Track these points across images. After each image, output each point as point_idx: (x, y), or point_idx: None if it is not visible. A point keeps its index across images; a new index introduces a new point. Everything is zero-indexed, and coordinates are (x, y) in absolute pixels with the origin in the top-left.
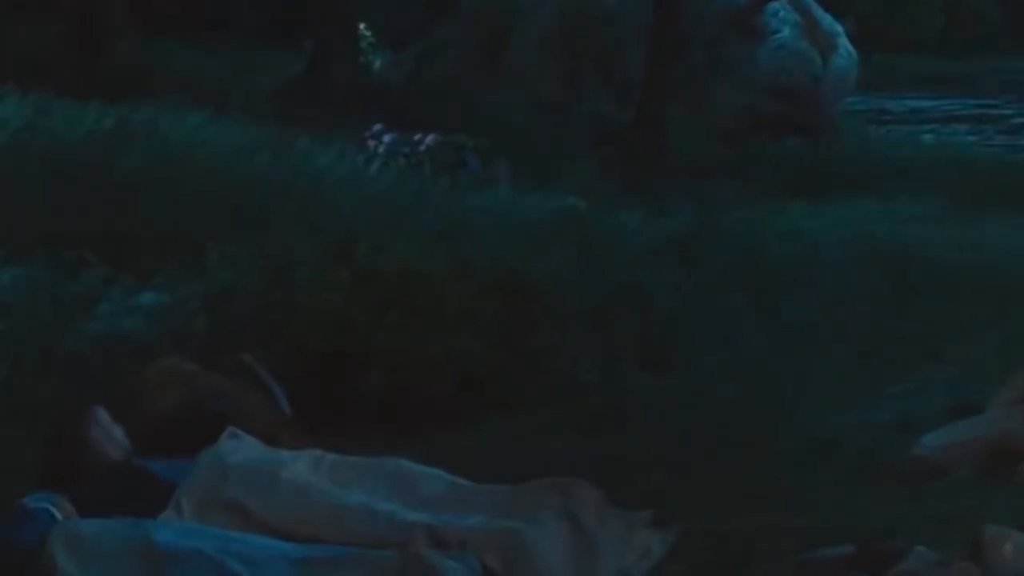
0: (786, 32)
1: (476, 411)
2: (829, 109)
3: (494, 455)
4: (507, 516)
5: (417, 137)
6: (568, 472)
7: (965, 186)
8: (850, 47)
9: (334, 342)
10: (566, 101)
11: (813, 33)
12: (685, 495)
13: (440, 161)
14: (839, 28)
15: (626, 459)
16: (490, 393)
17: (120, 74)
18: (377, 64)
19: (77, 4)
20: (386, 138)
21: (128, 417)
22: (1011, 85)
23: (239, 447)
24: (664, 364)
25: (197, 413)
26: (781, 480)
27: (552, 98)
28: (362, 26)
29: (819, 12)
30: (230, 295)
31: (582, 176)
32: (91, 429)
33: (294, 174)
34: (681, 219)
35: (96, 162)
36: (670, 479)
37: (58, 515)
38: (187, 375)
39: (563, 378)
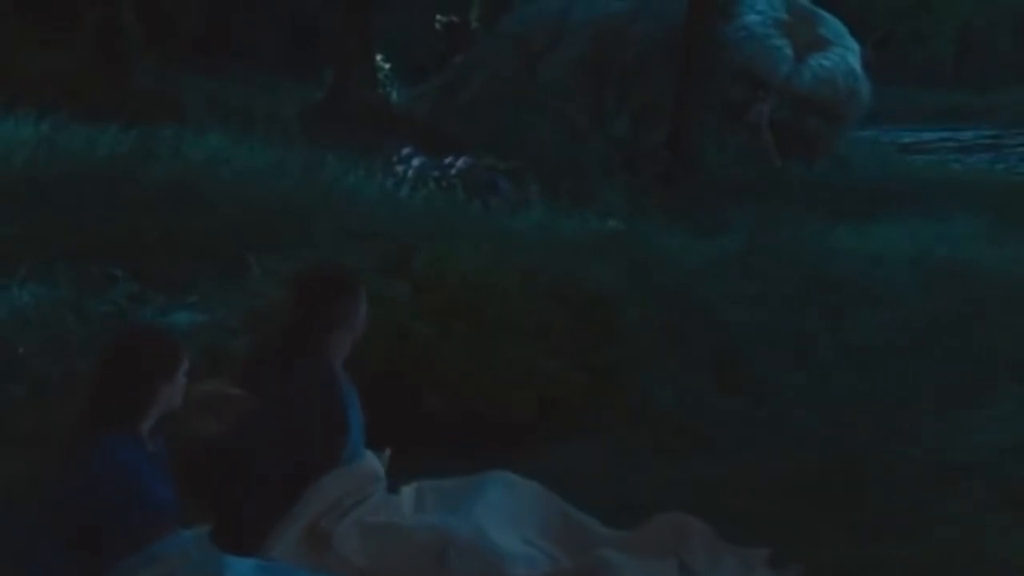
0: (752, 18)
1: (551, 434)
2: (814, 116)
3: (580, 482)
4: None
5: (447, 160)
6: (664, 502)
7: (1010, 206)
8: (855, 64)
9: (392, 359)
10: (592, 124)
11: (792, 28)
12: (796, 527)
13: (471, 184)
14: (846, 40)
15: (722, 487)
16: (565, 415)
17: (139, 98)
18: (393, 95)
19: (96, 28)
20: (415, 161)
21: (167, 445)
22: None
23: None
24: (739, 384)
25: (238, 440)
26: (902, 508)
27: (578, 122)
28: (379, 57)
29: (819, 16)
30: (274, 312)
31: (617, 198)
32: None
33: (326, 191)
34: (736, 238)
35: (119, 178)
36: (775, 509)
37: None
38: (231, 400)
39: (639, 399)
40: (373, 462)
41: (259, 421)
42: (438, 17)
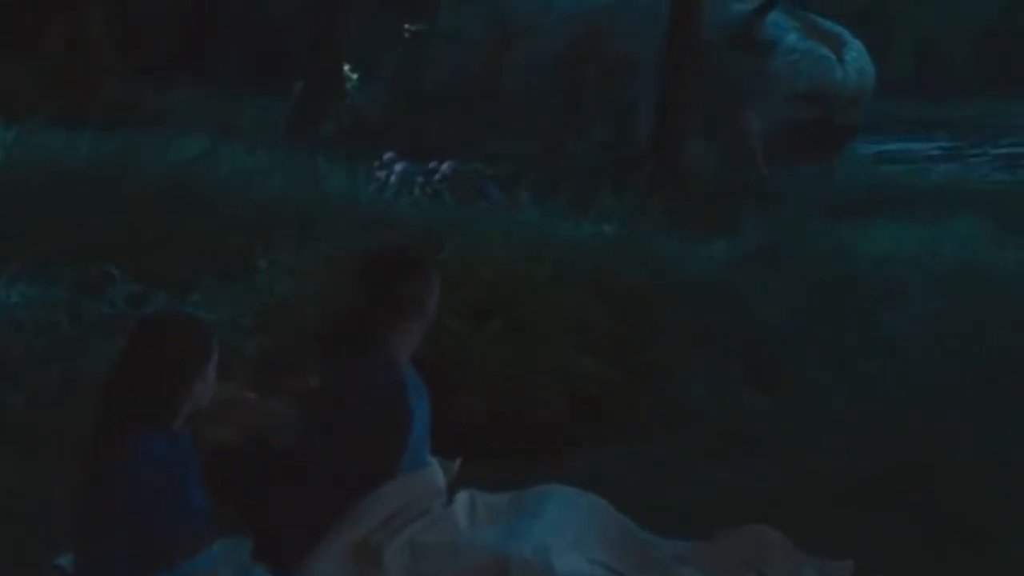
0: (792, 37)
1: (587, 436)
2: (853, 109)
3: (620, 488)
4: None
5: (432, 165)
6: (714, 509)
7: (1001, 211)
8: (859, 43)
9: (421, 358)
10: (568, 126)
11: (817, 33)
12: (866, 534)
13: (458, 189)
14: (840, 28)
15: (774, 492)
16: (605, 416)
17: (110, 107)
18: (360, 104)
19: (64, 38)
20: (398, 166)
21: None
22: (986, 127)
23: None
24: (771, 383)
25: (260, 448)
26: (974, 512)
27: (553, 127)
28: (347, 67)
29: (814, 15)
30: (287, 309)
31: (611, 202)
32: None
33: (323, 190)
34: (737, 240)
35: (107, 178)
36: (841, 515)
37: None
38: (246, 404)
39: (677, 399)
40: (436, 474)
41: (310, 424)
42: (407, 26)
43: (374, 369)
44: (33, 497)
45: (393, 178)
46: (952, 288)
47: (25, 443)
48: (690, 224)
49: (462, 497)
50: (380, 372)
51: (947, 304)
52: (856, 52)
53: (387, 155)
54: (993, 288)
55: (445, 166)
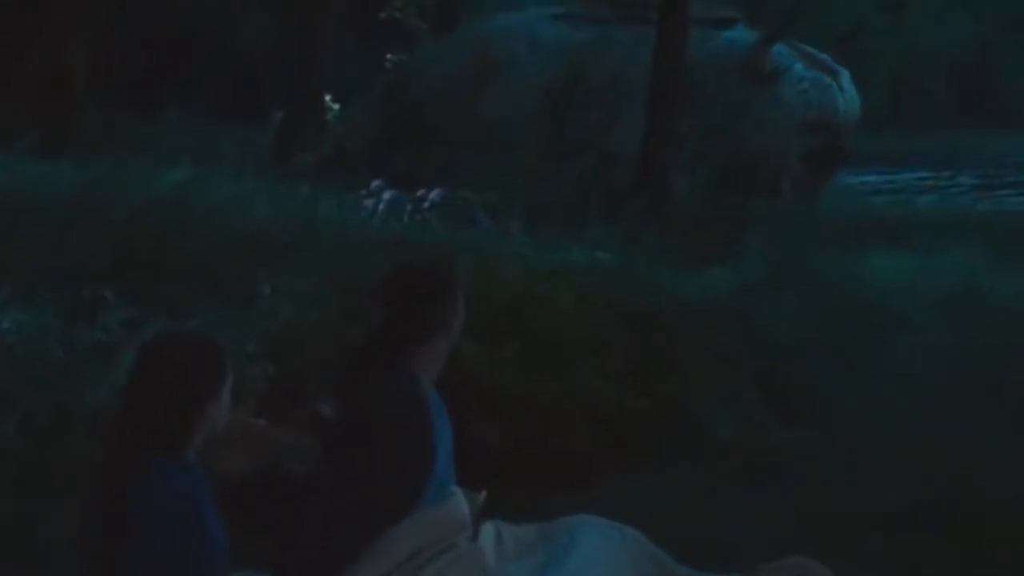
0: (799, 66)
1: (611, 464)
2: (848, 134)
3: (648, 519)
4: None
5: (420, 193)
6: (750, 541)
7: (992, 240)
8: (847, 71)
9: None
10: (552, 156)
11: (814, 61)
12: (904, 564)
13: (448, 218)
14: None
15: (809, 523)
16: (628, 443)
17: (88, 139)
18: (341, 135)
19: (41, 70)
20: (386, 195)
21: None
22: (960, 158)
23: None
24: (793, 411)
25: (270, 478)
26: (1012, 539)
27: (539, 156)
28: (328, 97)
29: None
30: (293, 334)
31: (602, 231)
32: None
33: (314, 218)
34: (736, 268)
35: (90, 205)
36: (879, 544)
37: None
38: (255, 433)
39: (700, 426)
40: (461, 505)
41: (327, 453)
42: (388, 56)
43: (397, 389)
44: (25, 530)
45: (381, 206)
46: (956, 316)
47: (16, 473)
48: (682, 252)
49: (487, 529)
50: (404, 392)
51: (953, 331)
52: (847, 79)
53: (375, 183)
54: (995, 315)
55: (434, 194)
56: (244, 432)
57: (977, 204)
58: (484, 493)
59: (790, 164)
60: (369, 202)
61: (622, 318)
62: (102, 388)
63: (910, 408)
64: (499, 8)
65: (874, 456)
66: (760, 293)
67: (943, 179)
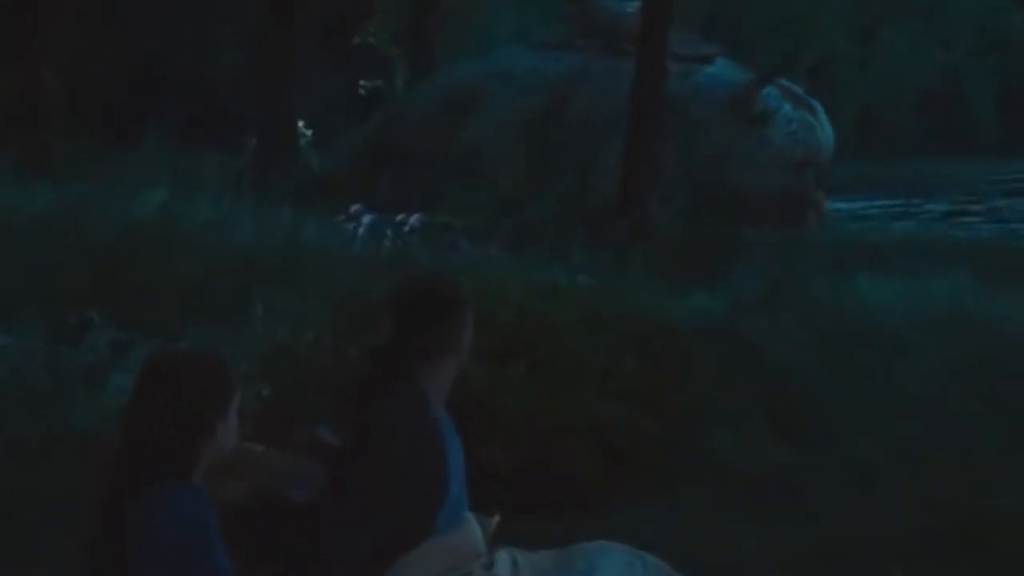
0: (787, 107)
1: (619, 489)
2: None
3: (660, 545)
4: None
5: (400, 217)
6: (767, 565)
7: (976, 264)
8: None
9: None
10: (531, 183)
11: (793, 97)
12: None
13: (428, 242)
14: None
15: (828, 551)
16: (634, 466)
17: (61, 165)
18: (314, 161)
19: (14, 95)
20: (366, 219)
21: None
22: (927, 186)
23: None
24: (796, 434)
25: (268, 504)
26: None
27: (516, 181)
28: (301, 124)
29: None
30: (289, 356)
31: (584, 255)
32: None
33: (297, 239)
34: (742, 290)
35: (70, 228)
36: (892, 568)
37: None
38: (253, 457)
39: (709, 450)
40: (475, 531)
41: (333, 477)
42: (362, 82)
43: (408, 410)
44: (10, 554)
45: (361, 230)
46: (951, 338)
47: (1, 497)
48: (666, 276)
49: (502, 556)
50: (414, 413)
51: (951, 353)
52: (822, 113)
53: (354, 207)
54: (988, 337)
55: (414, 218)
56: (241, 456)
57: (951, 231)
58: (497, 518)
59: (813, 196)
60: (349, 226)
61: (625, 338)
62: (89, 411)
63: (914, 430)
64: (478, 37)
65: (882, 479)
66: (755, 315)
67: (913, 206)
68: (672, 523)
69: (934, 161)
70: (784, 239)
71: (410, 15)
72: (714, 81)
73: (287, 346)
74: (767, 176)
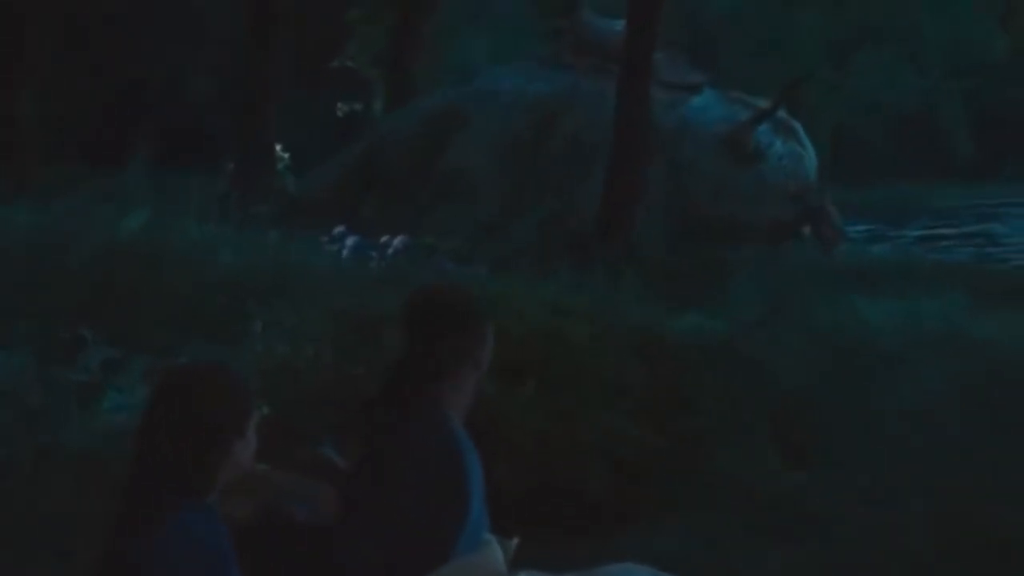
0: (779, 142)
1: (630, 509)
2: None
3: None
4: None
5: (384, 239)
6: None
7: (959, 285)
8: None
9: None
10: (514, 204)
11: (789, 131)
12: None
13: (413, 264)
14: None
15: (863, 573)
16: (646, 488)
17: (39, 188)
18: (291, 184)
19: None
20: (349, 241)
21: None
22: (899, 210)
23: None
24: (802, 453)
25: (273, 525)
26: None
27: (501, 203)
28: (279, 147)
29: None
30: (290, 372)
31: (570, 276)
32: None
33: (284, 258)
34: (736, 311)
35: (54, 248)
36: None
37: None
38: (259, 477)
39: (720, 470)
40: (496, 553)
41: (351, 498)
42: (339, 104)
43: (427, 428)
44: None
45: (345, 252)
46: (949, 357)
47: None
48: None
49: None
50: (434, 431)
51: (950, 372)
52: (803, 135)
53: (337, 229)
54: (986, 357)
55: (398, 240)
56: (245, 475)
57: (928, 254)
58: (516, 540)
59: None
60: (333, 248)
61: (634, 355)
62: (82, 430)
63: (921, 449)
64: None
65: (892, 498)
66: (754, 334)
67: (888, 230)
68: (687, 544)
69: (909, 185)
70: (768, 260)
71: (389, 38)
72: (702, 114)
73: (287, 362)
74: (760, 211)
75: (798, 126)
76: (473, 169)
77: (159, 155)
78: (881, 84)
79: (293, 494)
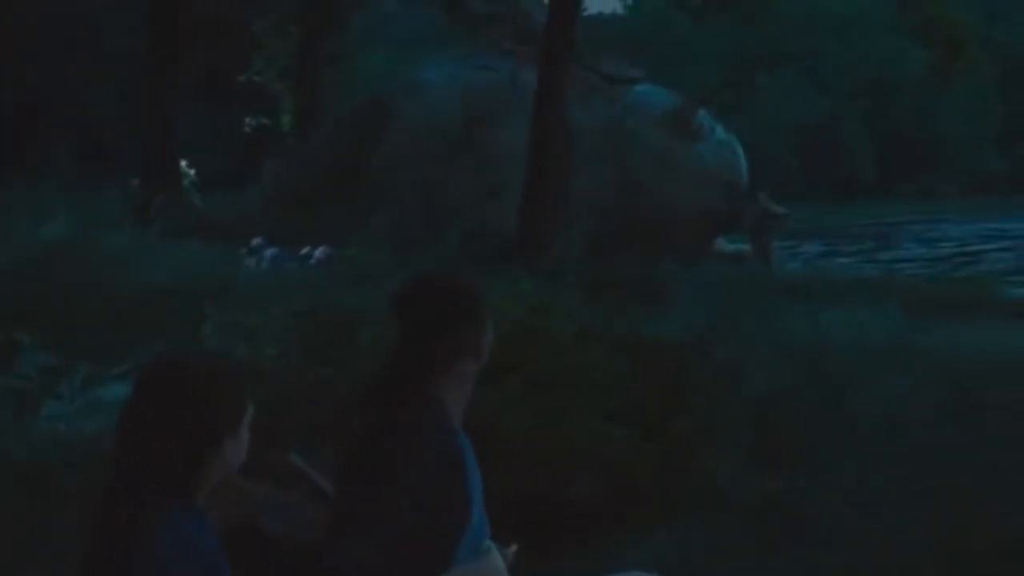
0: (719, 129)
1: (621, 516)
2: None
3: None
4: None
5: (305, 251)
6: None
7: (891, 298)
8: None
9: None
10: (440, 215)
11: (725, 123)
12: None
13: (336, 274)
14: None
15: None
16: (635, 493)
17: None
18: (197, 200)
19: None
20: (268, 252)
21: None
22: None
23: None
24: (781, 460)
25: (246, 536)
26: None
27: (425, 213)
28: (184, 163)
29: None
30: (252, 373)
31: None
32: None
33: (207, 268)
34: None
35: None
36: None
37: None
38: (228, 485)
39: (705, 474)
40: (497, 561)
41: (339, 507)
42: (247, 120)
43: (424, 427)
44: None
45: (263, 264)
46: (902, 365)
47: None
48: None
49: None
50: (432, 430)
51: (907, 379)
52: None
53: (255, 241)
54: (935, 363)
55: (319, 251)
56: (218, 485)
57: (836, 270)
58: (514, 547)
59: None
60: (252, 260)
61: (619, 353)
62: (18, 439)
63: (895, 453)
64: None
65: (876, 504)
66: (721, 339)
67: (790, 246)
68: (684, 552)
69: (812, 204)
70: (693, 272)
71: (296, 52)
72: (645, 98)
73: (246, 363)
74: (698, 194)
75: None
76: (396, 175)
77: (65, 170)
78: (784, 104)
79: (263, 505)
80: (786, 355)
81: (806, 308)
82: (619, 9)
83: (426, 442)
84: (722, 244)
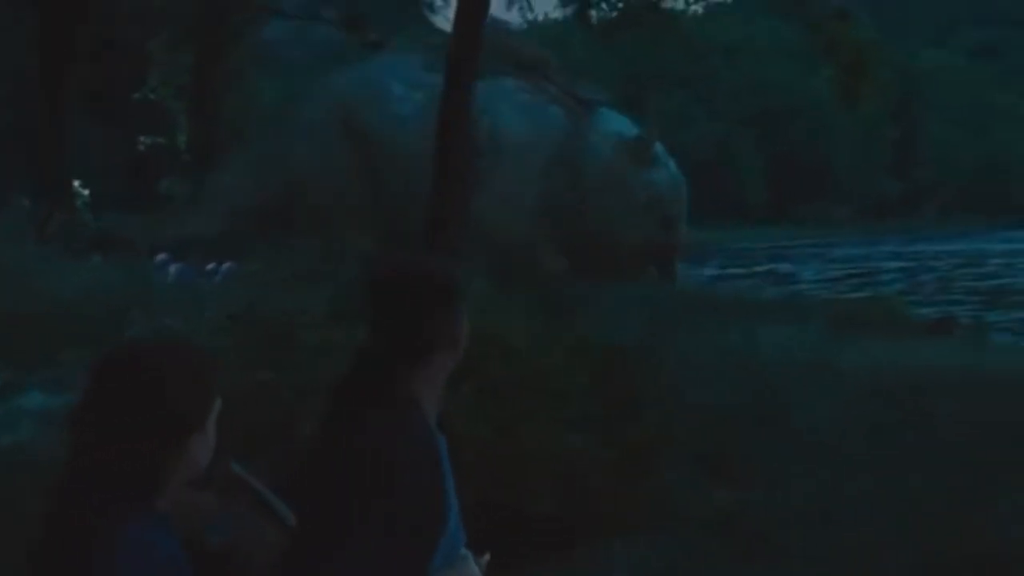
0: (672, 163)
1: (583, 530)
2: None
3: None
4: None
5: (210, 266)
6: None
7: (814, 317)
8: None
9: None
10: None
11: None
12: None
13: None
14: None
15: None
16: (598, 506)
17: None
18: (89, 218)
19: None
20: (172, 268)
21: None
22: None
23: None
24: (731, 476)
25: (189, 551)
26: None
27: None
28: (77, 183)
29: None
30: None
31: None
32: None
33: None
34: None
35: None
36: None
37: None
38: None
39: (659, 487)
40: (473, 570)
41: (302, 518)
42: (142, 139)
43: (404, 426)
44: None
45: (169, 279)
46: (829, 382)
47: None
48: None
49: None
50: (406, 428)
51: (834, 396)
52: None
53: (159, 256)
54: (861, 378)
55: (224, 267)
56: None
57: (744, 292)
58: (488, 556)
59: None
60: (157, 276)
61: (584, 359)
62: None
63: (840, 466)
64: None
65: (830, 518)
66: (663, 349)
67: (686, 268)
68: (645, 564)
69: (707, 228)
70: (614, 289)
71: (192, 71)
72: (605, 123)
73: None
74: (643, 220)
75: None
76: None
77: None
78: (676, 130)
79: (206, 518)
80: (724, 369)
81: (741, 325)
82: (516, 22)
83: (406, 449)
84: None
